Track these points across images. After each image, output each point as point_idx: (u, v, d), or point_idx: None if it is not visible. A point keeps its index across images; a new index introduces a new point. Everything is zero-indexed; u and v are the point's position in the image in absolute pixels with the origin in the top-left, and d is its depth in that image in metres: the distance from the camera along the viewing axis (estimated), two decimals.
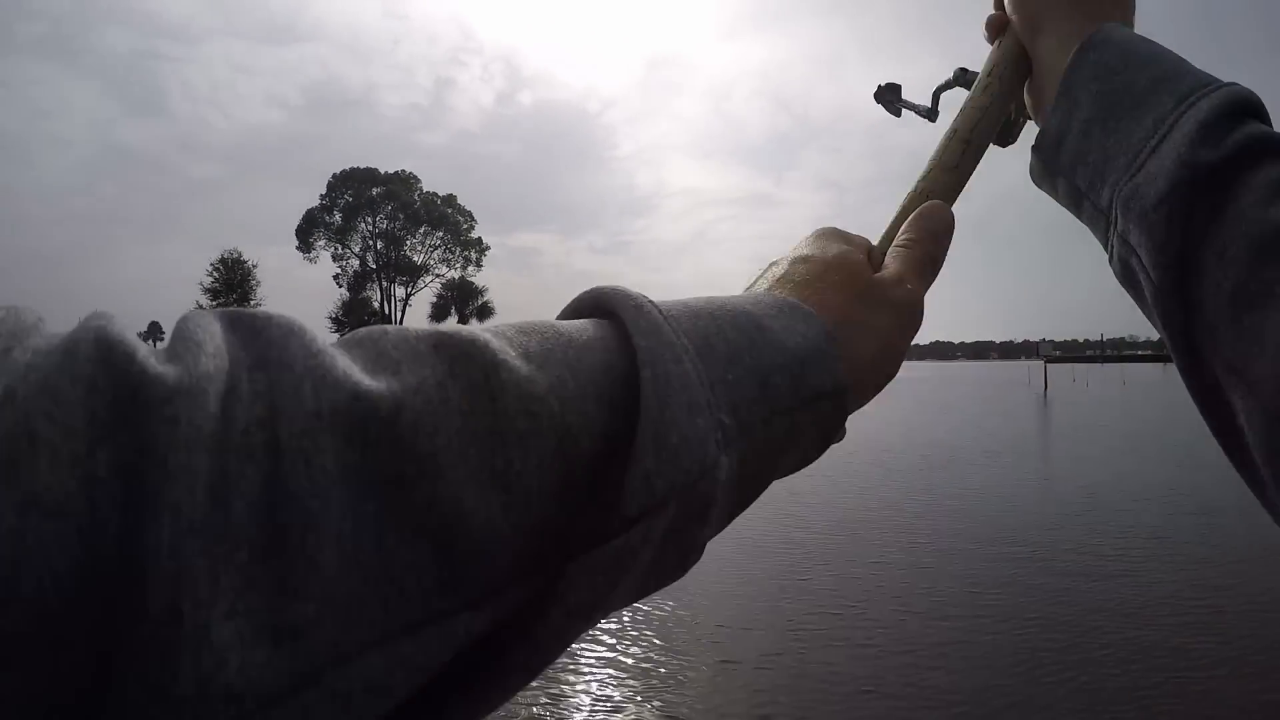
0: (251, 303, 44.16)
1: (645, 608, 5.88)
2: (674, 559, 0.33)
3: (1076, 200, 0.54)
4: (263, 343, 0.25)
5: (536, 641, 0.29)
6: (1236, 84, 0.49)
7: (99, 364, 0.22)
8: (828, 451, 0.42)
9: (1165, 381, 66.72)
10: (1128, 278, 0.50)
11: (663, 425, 0.31)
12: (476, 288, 50.76)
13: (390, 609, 0.25)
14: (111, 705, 0.20)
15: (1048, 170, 0.56)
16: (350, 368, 0.25)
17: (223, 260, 44.70)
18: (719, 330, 0.35)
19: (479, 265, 51.92)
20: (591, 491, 0.29)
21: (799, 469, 0.39)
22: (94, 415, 0.21)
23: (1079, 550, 7.62)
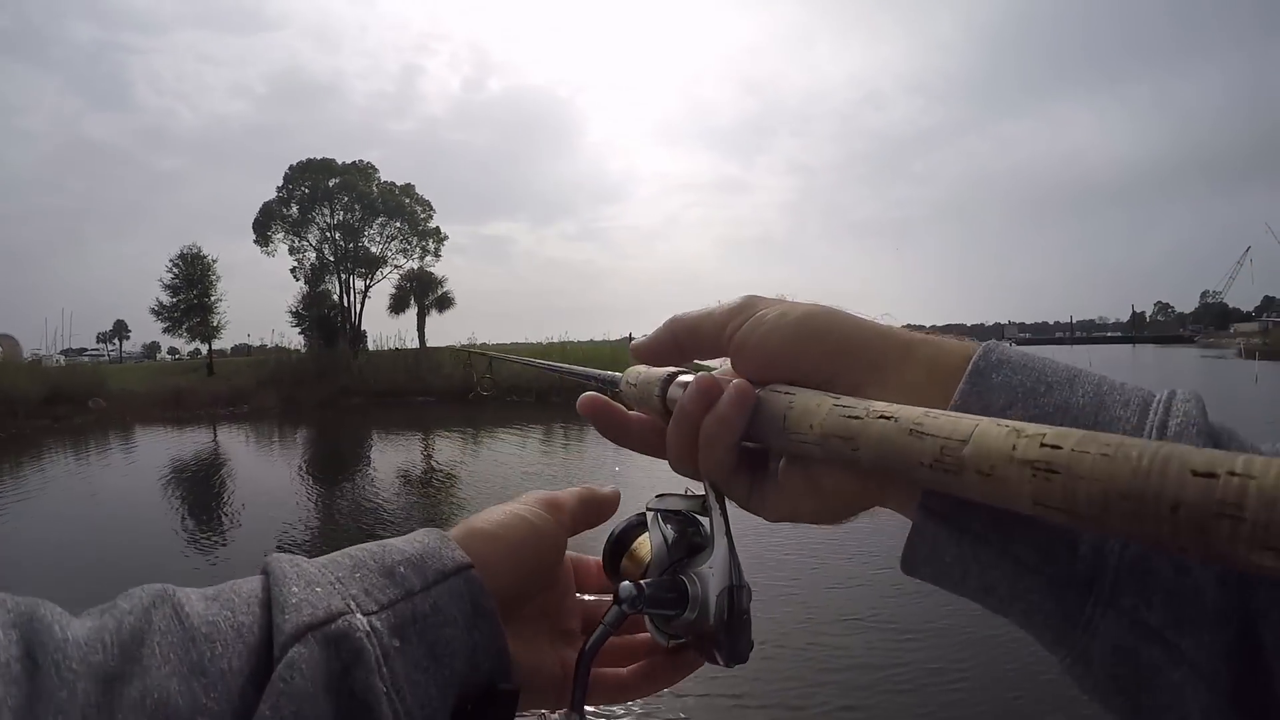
0: (212, 298, 46.89)
1: None
2: (348, 702, 0.40)
3: (1015, 574, 0.41)
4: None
5: None
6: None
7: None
8: None
9: (1133, 363, 69.92)
10: (1127, 676, 0.38)
11: (283, 592, 0.42)
12: (436, 278, 52.47)
13: None
14: None
15: (957, 538, 0.43)
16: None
17: (182, 255, 46.61)
18: (345, 554, 0.48)
19: (437, 255, 54.01)
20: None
21: (482, 639, 0.48)
22: None
23: None
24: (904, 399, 0.44)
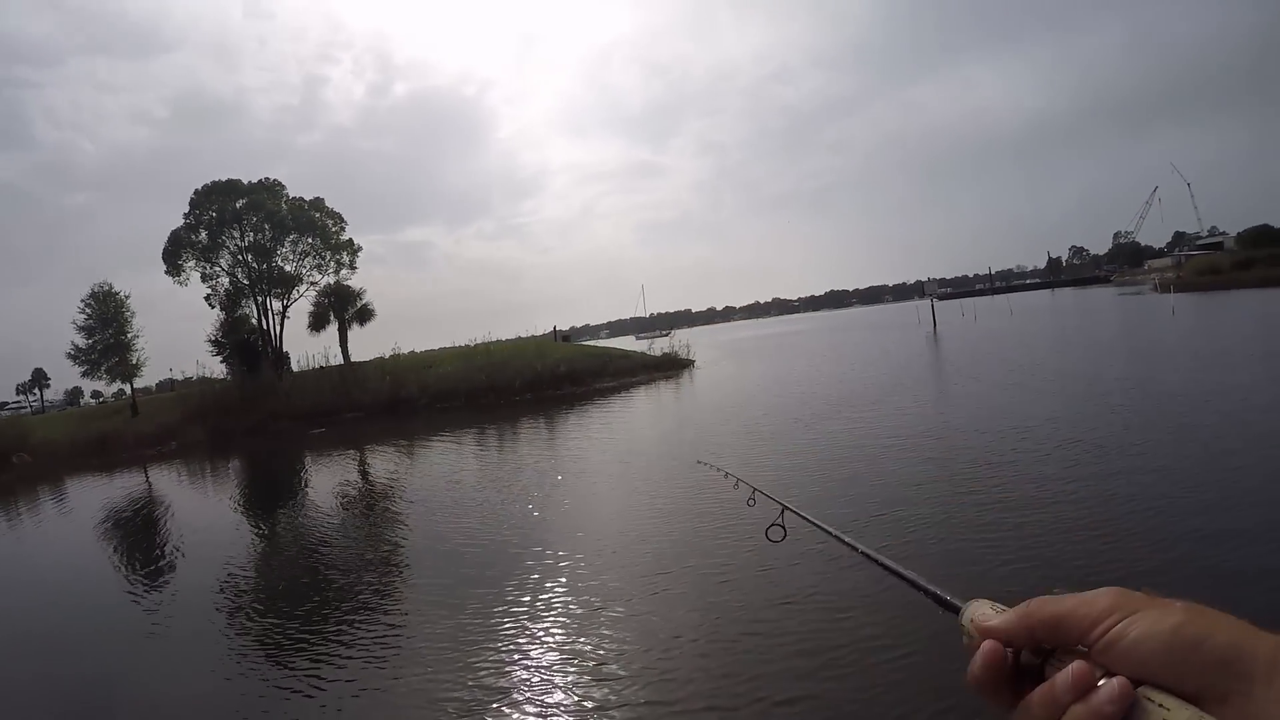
0: (128, 335, 46.33)
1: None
2: None
3: None
4: None
5: None
6: None
7: None
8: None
9: (1051, 307, 72.37)
10: None
11: None
12: (354, 291, 52.28)
13: None
14: None
15: None
16: None
17: (93, 295, 46.04)
18: None
19: (353, 268, 53.62)
20: None
21: None
22: None
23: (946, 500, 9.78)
24: (1272, 715, 0.47)
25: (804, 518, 1.26)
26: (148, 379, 56.77)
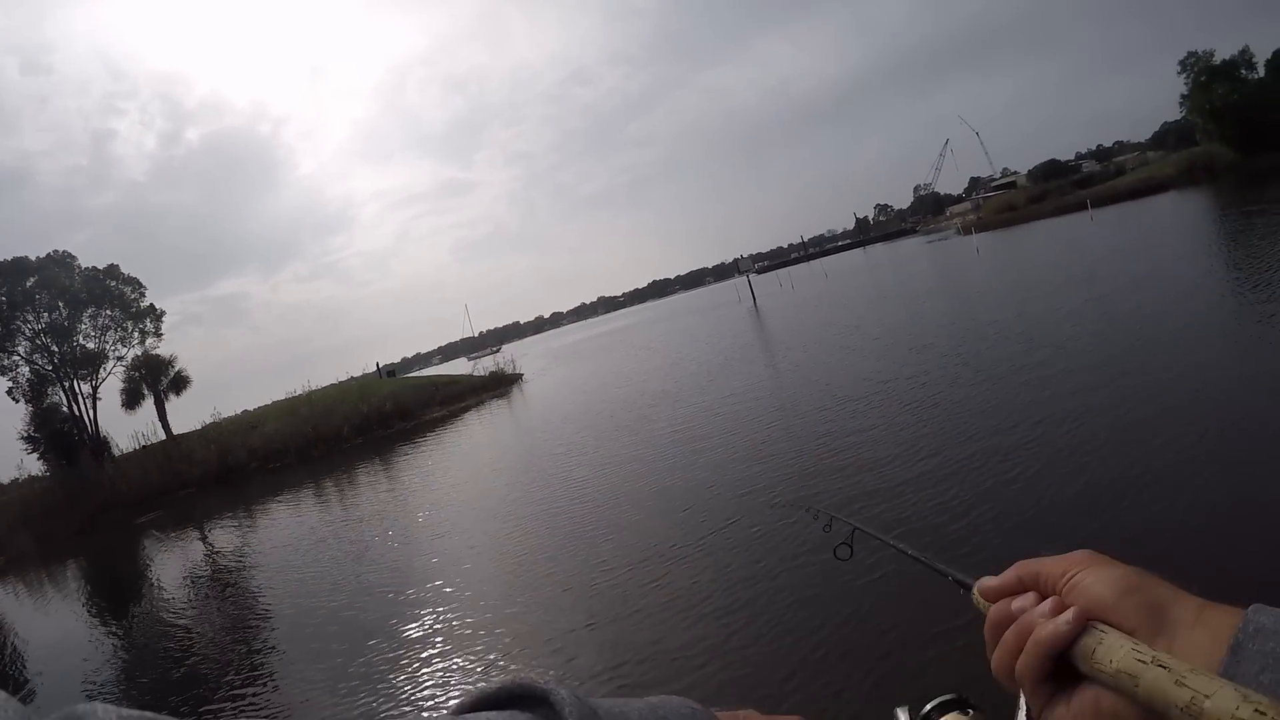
0: None
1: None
2: None
3: None
4: None
5: None
6: None
7: None
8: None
9: (864, 265, 76.15)
10: None
11: None
12: (164, 360, 51.40)
13: None
14: None
15: None
16: None
17: None
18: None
19: (158, 335, 52.59)
20: None
21: None
22: None
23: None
24: (1191, 653, 0.60)
25: None
26: None
